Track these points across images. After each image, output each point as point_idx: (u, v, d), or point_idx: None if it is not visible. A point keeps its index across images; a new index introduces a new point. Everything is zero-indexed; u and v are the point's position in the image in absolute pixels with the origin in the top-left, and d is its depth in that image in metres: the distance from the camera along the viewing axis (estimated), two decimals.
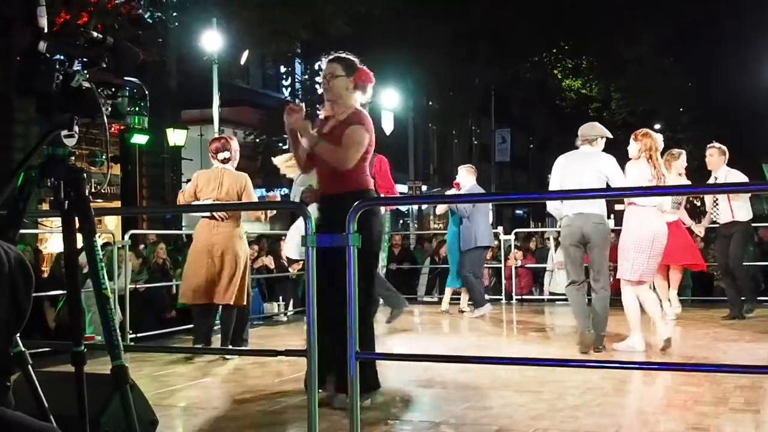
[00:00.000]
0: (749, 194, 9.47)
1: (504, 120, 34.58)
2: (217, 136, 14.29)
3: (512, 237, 12.69)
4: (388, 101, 24.69)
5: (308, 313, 3.49)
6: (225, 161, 7.12)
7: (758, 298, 10.27)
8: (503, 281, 12.52)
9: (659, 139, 7.15)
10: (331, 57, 4.96)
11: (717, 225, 9.48)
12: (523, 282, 13.22)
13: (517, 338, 8.79)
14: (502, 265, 12.50)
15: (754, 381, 5.25)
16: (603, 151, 7.12)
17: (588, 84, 35.96)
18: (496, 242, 12.11)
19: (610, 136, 7.23)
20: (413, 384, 5.66)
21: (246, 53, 21.01)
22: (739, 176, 9.02)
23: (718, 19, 36.34)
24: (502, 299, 12.15)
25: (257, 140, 23.27)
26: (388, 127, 23.47)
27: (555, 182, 7.08)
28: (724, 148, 9.33)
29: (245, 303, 7.11)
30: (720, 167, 9.19)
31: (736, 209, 9.10)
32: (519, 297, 12.44)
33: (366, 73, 4.98)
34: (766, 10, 31.20)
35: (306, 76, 25.44)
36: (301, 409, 4.51)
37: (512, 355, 7.12)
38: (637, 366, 5.74)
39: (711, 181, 9.27)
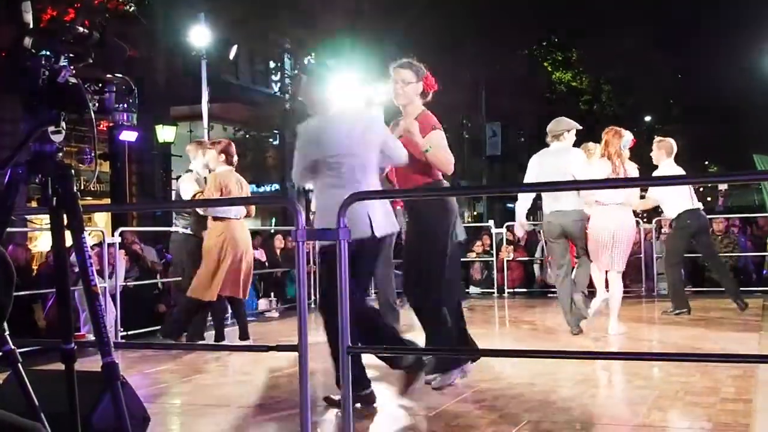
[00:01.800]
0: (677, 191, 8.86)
1: (494, 113, 34.52)
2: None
3: (504, 230, 12.70)
4: (377, 95, 24.60)
5: (300, 309, 3.47)
6: (235, 164, 7.50)
7: (753, 289, 10.34)
8: (495, 274, 12.53)
9: (626, 136, 7.20)
10: (401, 63, 5.16)
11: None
12: (514, 275, 13.22)
13: (510, 331, 8.80)
14: (494, 259, 12.51)
15: (746, 370, 5.27)
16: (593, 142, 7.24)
17: (578, 77, 36.01)
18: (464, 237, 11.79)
19: (579, 127, 7.36)
20: (397, 375, 5.65)
21: (234, 48, 20.93)
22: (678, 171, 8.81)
23: (707, 12, 36.40)
24: (494, 292, 12.16)
25: (246, 136, 23.21)
26: None
27: (530, 181, 7.39)
28: (672, 142, 9.03)
29: None
30: (661, 160, 8.92)
31: (663, 204, 8.99)
32: (511, 290, 12.45)
33: (431, 80, 5.24)
34: (754, 2, 31.26)
35: (296, 71, 25.36)
36: (295, 405, 4.50)
37: (504, 347, 7.14)
38: (628, 357, 5.75)
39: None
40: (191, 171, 7.88)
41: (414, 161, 4.99)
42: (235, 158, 7.46)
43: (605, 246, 7.26)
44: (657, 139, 9.26)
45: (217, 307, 7.49)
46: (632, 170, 7.36)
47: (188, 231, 7.77)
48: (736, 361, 5.30)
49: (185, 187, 7.72)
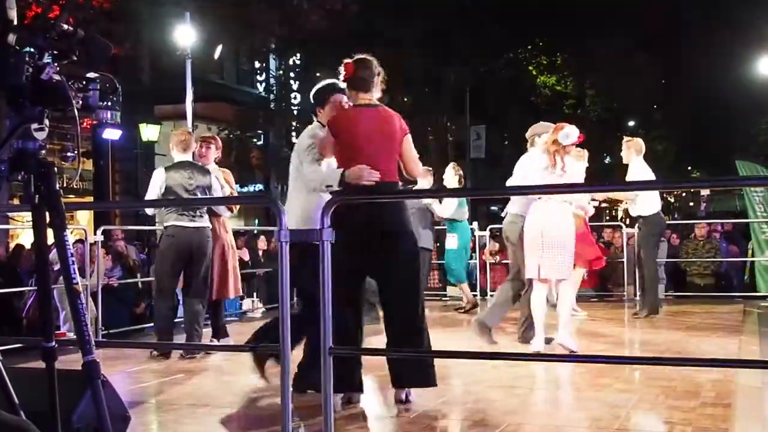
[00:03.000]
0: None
1: (479, 117, 34.56)
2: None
3: (487, 233, 12.74)
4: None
5: (281, 310, 3.47)
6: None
7: (734, 294, 10.42)
8: (477, 277, 12.56)
9: (567, 129, 6.64)
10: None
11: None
12: (497, 277, 13.24)
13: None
14: (477, 261, 12.54)
15: (726, 375, 5.31)
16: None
17: (563, 80, 36.14)
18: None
19: (542, 131, 7.14)
20: (387, 379, 5.65)
21: (220, 48, 20.86)
22: (648, 171, 8.99)
23: (692, 16, 36.60)
24: (476, 295, 12.18)
25: (231, 135, 23.14)
26: None
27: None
28: (640, 142, 9.26)
29: None
30: (631, 159, 9.11)
31: (638, 201, 9.09)
32: (493, 292, 12.47)
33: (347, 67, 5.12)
34: (737, 8, 31.49)
35: (281, 72, 25.33)
36: (276, 405, 4.49)
37: (484, 350, 7.15)
38: (609, 360, 5.77)
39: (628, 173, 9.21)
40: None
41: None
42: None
43: (533, 247, 6.61)
44: (625, 139, 9.42)
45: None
46: (572, 164, 6.78)
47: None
48: (716, 366, 5.34)
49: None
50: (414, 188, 9.49)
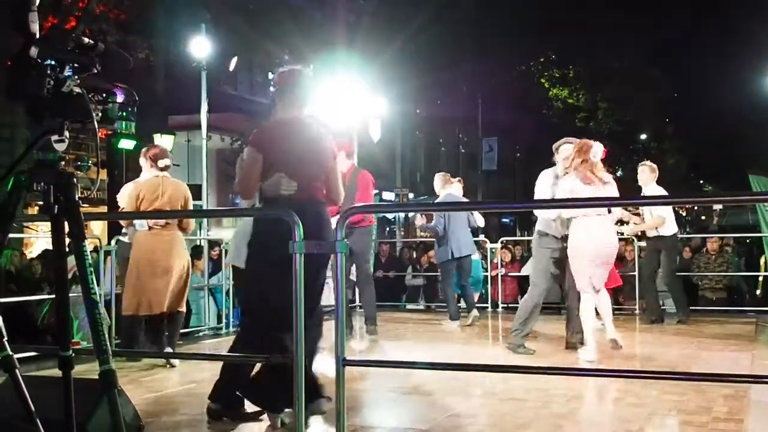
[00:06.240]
0: (670, 209, 10.00)
1: (491, 129, 34.61)
2: (202, 145, 14.29)
3: (498, 245, 12.75)
4: (375, 109, 24.68)
5: (295, 320, 3.49)
6: (165, 168, 7.09)
7: (746, 309, 10.54)
8: (489, 289, 12.56)
9: (595, 147, 6.92)
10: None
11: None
12: (508, 290, 13.25)
13: (503, 346, 8.80)
14: (489, 274, 12.54)
15: (738, 390, 5.29)
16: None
17: (575, 93, 36.13)
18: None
19: (557, 146, 7.39)
20: (398, 391, 5.67)
21: (235, 60, 20.97)
22: (661, 192, 9.47)
23: (703, 30, 36.59)
24: (488, 307, 12.18)
25: (244, 146, 23.23)
26: (375, 134, 23.46)
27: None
28: (654, 166, 9.80)
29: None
30: (649, 184, 9.62)
31: (665, 223, 9.60)
32: (505, 305, 12.47)
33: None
34: (749, 22, 31.43)
35: None
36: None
37: (497, 363, 7.14)
38: (621, 374, 5.76)
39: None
40: (130, 183, 7.69)
41: None
42: (163, 161, 7.07)
43: (586, 260, 6.83)
44: (641, 164, 9.93)
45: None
46: (607, 176, 7.01)
47: (126, 240, 7.64)
48: (729, 381, 5.32)
49: (121, 201, 7.52)
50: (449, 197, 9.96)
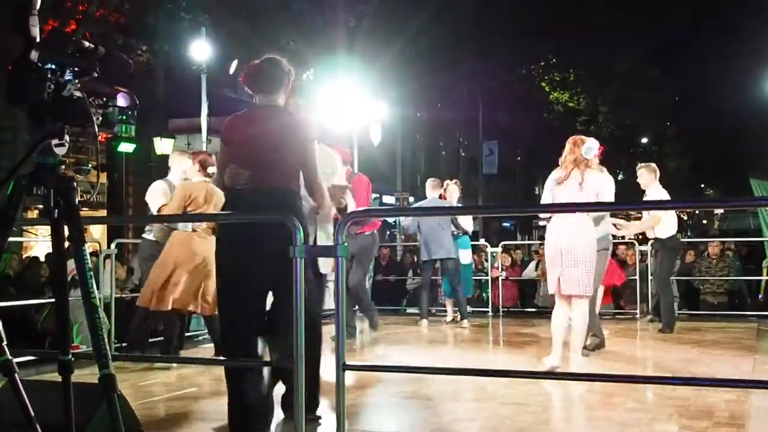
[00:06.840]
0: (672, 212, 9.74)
1: (492, 132, 34.62)
2: (202, 149, 14.30)
3: (499, 249, 12.74)
4: (376, 113, 24.71)
5: (295, 325, 3.48)
6: (212, 175, 7.04)
7: (747, 313, 10.50)
8: (490, 293, 12.55)
9: (588, 143, 6.66)
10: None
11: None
12: (508, 294, 13.23)
13: (503, 350, 8.80)
14: (489, 277, 12.53)
15: (739, 395, 5.28)
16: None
17: (575, 97, 36.16)
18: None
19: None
20: (398, 396, 5.66)
21: (235, 63, 20.98)
22: (665, 195, 9.29)
23: (703, 30, 36.63)
24: (488, 311, 12.16)
25: None
26: (375, 138, 23.47)
27: None
28: (653, 165, 9.58)
29: None
30: (651, 185, 9.36)
31: (662, 224, 9.33)
32: (505, 309, 12.46)
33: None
34: (750, 25, 31.45)
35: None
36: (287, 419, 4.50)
37: (497, 367, 7.12)
38: (622, 379, 5.75)
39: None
40: (161, 180, 7.79)
41: None
42: (212, 169, 7.01)
43: (553, 263, 6.51)
44: (639, 165, 9.71)
45: (167, 319, 7.30)
46: (594, 177, 6.64)
47: (151, 237, 7.69)
48: (730, 386, 5.31)
49: (152, 199, 7.57)
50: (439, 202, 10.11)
